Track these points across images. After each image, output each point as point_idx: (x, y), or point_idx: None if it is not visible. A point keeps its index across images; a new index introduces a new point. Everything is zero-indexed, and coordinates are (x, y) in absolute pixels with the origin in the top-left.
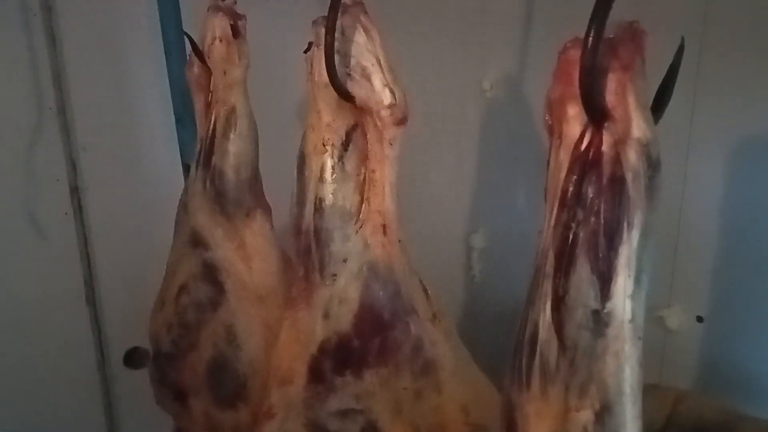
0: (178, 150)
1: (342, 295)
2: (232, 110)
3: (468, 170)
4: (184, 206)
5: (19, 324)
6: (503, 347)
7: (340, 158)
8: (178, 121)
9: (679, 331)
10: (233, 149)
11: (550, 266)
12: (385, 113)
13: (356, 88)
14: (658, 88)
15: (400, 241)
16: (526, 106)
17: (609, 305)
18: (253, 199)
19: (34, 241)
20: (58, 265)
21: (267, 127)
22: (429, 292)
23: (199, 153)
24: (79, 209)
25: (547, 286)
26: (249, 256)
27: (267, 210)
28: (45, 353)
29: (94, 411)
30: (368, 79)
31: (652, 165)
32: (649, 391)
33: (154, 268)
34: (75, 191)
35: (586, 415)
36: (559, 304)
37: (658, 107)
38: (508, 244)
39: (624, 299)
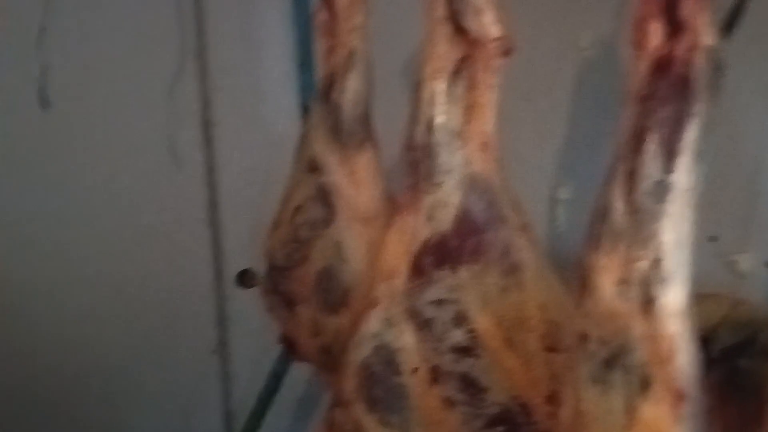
0: (299, 92)
1: (445, 200)
2: (352, 52)
3: (558, 125)
4: (304, 137)
5: (146, 242)
6: None
7: (451, 84)
8: (300, 64)
9: (749, 276)
10: (350, 86)
11: (624, 150)
12: (493, 45)
13: (469, 23)
14: (730, 12)
15: (496, 159)
16: (620, 65)
17: (672, 177)
18: (364, 132)
19: (169, 169)
20: (187, 190)
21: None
22: (520, 206)
23: (320, 90)
24: (209, 142)
25: (622, 165)
26: (358, 182)
27: (376, 144)
28: (167, 271)
29: (206, 325)
30: (479, 15)
31: (715, 67)
32: (709, 296)
33: (270, 198)
34: (207, 125)
35: (645, 264)
36: (630, 176)
37: (729, 26)
38: (593, 198)
39: (685, 172)
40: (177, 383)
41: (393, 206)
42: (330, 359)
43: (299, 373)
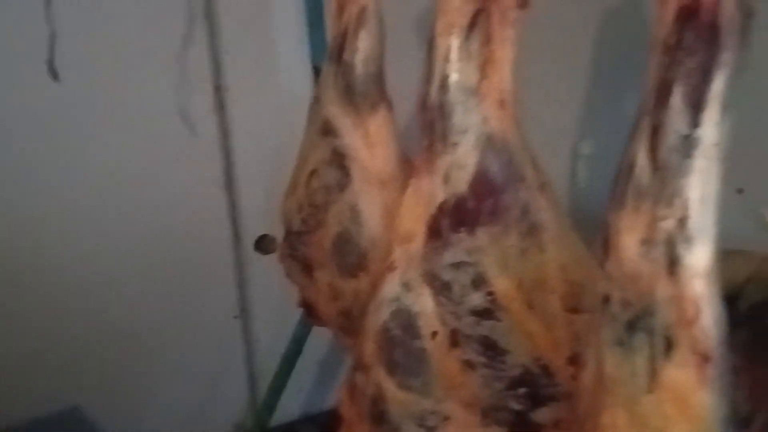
0: (310, 53)
1: (461, 161)
2: (363, 10)
3: (580, 78)
4: (317, 99)
5: (164, 210)
6: None
7: (466, 39)
8: (309, 24)
9: None
10: (362, 46)
11: (649, 104)
12: None
13: None
14: None
15: (514, 116)
16: (645, 14)
17: (698, 131)
18: (378, 93)
19: (182, 135)
20: (201, 156)
21: (390, 30)
22: (539, 164)
23: (332, 50)
24: (222, 106)
25: (646, 120)
26: (372, 144)
27: (389, 105)
28: (186, 238)
29: (227, 291)
30: None
31: (745, 13)
32: (736, 252)
33: (285, 161)
34: (218, 90)
35: (670, 223)
36: (655, 131)
37: None
38: (615, 152)
39: (712, 126)
40: (201, 348)
41: (409, 168)
42: (349, 323)
43: (321, 336)
